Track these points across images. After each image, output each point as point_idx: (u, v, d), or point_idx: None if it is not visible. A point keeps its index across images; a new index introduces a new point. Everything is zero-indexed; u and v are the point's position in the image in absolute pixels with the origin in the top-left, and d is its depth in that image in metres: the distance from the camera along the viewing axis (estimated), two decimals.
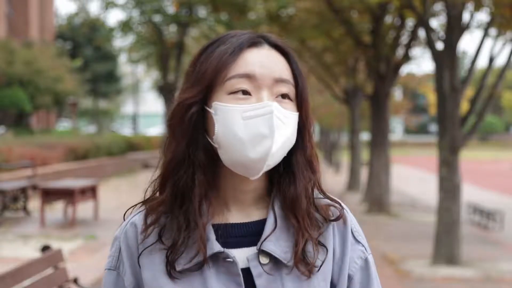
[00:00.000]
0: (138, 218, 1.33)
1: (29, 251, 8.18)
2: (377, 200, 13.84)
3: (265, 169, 1.24)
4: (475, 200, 14.45)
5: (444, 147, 8.55)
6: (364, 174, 17.25)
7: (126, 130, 50.22)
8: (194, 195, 1.26)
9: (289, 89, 1.28)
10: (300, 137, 1.30)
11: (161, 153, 1.32)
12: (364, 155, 19.94)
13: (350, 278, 1.34)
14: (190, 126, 1.27)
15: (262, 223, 1.30)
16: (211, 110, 1.26)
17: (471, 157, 33.48)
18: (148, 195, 1.33)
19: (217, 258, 1.26)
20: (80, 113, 41.91)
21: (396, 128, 64.89)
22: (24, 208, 11.84)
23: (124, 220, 1.37)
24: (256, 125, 1.22)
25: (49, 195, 10.70)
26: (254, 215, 1.32)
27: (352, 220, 1.37)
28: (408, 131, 69.19)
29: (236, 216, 1.31)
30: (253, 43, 1.29)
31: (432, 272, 8.16)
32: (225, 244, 1.27)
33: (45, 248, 4.33)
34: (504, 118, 64.38)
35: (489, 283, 7.74)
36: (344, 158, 26.48)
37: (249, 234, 1.30)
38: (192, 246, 1.25)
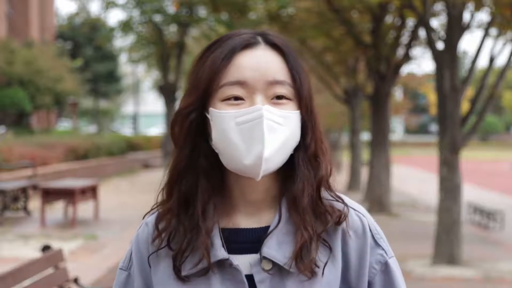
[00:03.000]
0: (151, 219, 1.34)
1: (30, 251, 8.18)
2: (377, 200, 13.84)
3: (263, 173, 1.21)
4: (475, 200, 14.45)
5: (444, 147, 8.55)
6: (364, 174, 17.25)
7: (126, 130, 50.18)
8: (198, 200, 1.26)
9: (285, 89, 1.25)
10: (302, 135, 1.28)
11: (169, 159, 1.33)
12: (365, 155, 19.93)
13: (370, 284, 1.29)
14: (191, 133, 1.26)
15: None
16: (208, 116, 1.25)
17: (471, 157, 33.46)
18: (161, 198, 1.34)
19: (223, 264, 1.25)
20: (80, 113, 41.86)
21: (397, 128, 64.79)
22: (25, 208, 11.84)
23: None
24: (248, 130, 1.20)
25: (49, 195, 10.70)
26: (264, 220, 1.29)
27: (370, 222, 1.32)
28: (408, 131, 69.14)
29: (246, 221, 1.29)
30: (247, 45, 1.26)
31: (433, 272, 8.15)
32: (233, 250, 1.26)
33: (45, 248, 4.33)
34: (504, 118, 64.33)
35: (489, 283, 7.74)
36: (345, 158, 26.47)
37: (258, 240, 1.26)
38: (197, 251, 1.24)
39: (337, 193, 1.32)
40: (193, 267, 1.24)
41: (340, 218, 1.28)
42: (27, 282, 3.79)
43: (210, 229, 1.25)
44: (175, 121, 1.29)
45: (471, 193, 16.52)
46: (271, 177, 1.27)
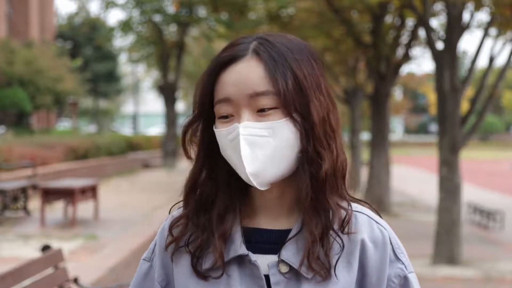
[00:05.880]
0: (177, 213, 1.37)
1: (29, 251, 8.18)
2: (377, 200, 13.84)
3: (261, 184, 1.22)
4: (475, 200, 14.45)
5: (444, 147, 8.55)
6: (364, 174, 17.25)
7: (126, 130, 50.19)
8: (216, 206, 1.30)
9: (268, 99, 1.22)
10: (301, 138, 1.24)
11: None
12: (365, 155, 19.93)
13: None
14: (202, 147, 1.31)
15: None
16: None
17: (471, 157, 33.46)
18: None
19: (243, 260, 1.27)
20: (80, 113, 41.89)
21: (396, 128, 64.79)
22: (24, 208, 11.84)
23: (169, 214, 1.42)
24: (236, 147, 1.22)
25: (49, 195, 10.69)
26: (286, 223, 1.30)
27: (391, 235, 1.31)
28: (408, 131, 69.15)
29: (267, 223, 1.31)
30: (231, 60, 1.25)
31: (432, 272, 8.16)
32: (253, 249, 1.28)
33: (45, 248, 4.33)
34: (504, 118, 64.33)
35: (489, 283, 7.75)
36: None
37: (277, 242, 1.28)
38: (214, 250, 1.28)
39: (348, 195, 1.30)
40: (212, 265, 1.27)
41: (344, 219, 1.25)
42: (27, 282, 3.79)
43: (227, 232, 1.28)
44: (182, 136, 1.33)
45: (471, 193, 16.52)
46: (283, 184, 1.27)
